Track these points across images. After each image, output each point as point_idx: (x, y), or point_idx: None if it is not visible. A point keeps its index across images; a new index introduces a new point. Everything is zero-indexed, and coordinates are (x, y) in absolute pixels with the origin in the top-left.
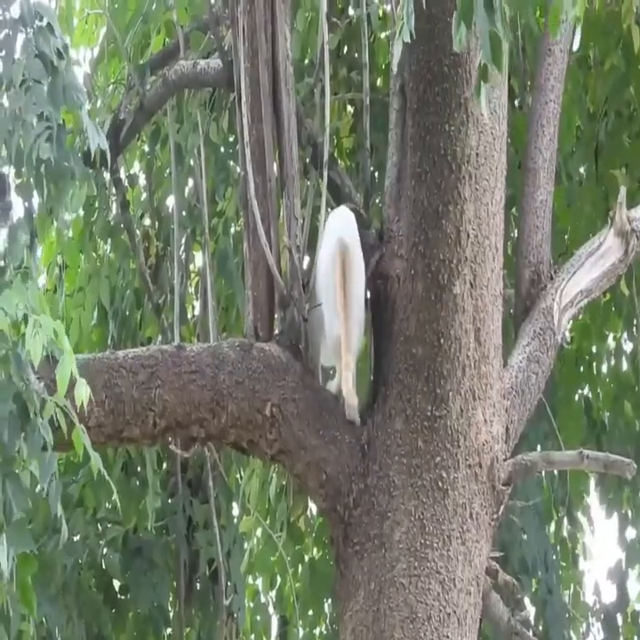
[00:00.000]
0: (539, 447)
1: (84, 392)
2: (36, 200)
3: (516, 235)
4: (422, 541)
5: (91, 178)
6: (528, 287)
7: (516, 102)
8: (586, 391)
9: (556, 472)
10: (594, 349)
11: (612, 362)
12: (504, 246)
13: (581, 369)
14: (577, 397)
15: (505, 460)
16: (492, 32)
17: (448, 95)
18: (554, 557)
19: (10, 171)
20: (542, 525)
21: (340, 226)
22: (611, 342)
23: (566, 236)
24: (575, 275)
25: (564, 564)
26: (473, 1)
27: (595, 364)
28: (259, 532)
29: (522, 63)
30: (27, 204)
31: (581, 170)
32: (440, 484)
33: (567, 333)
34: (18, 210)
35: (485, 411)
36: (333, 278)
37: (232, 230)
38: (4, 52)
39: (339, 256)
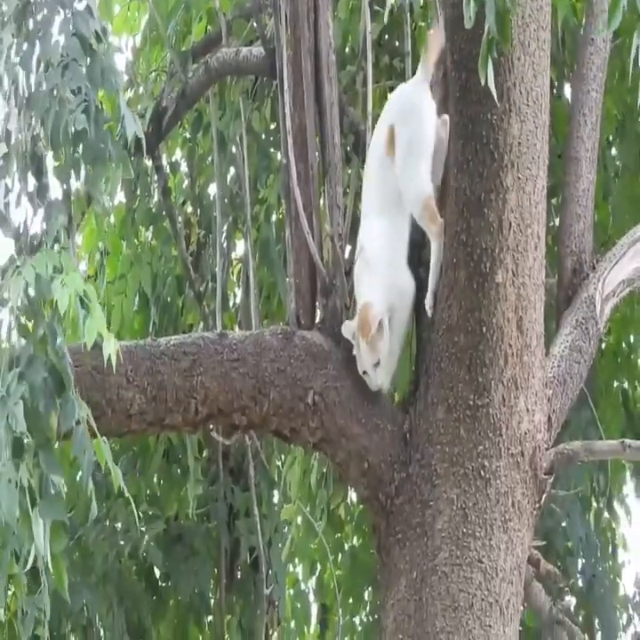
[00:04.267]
0: (580, 436)
1: (112, 347)
2: (73, 183)
3: (557, 224)
4: (464, 530)
5: (128, 160)
6: (570, 276)
7: (555, 92)
8: (625, 384)
9: (597, 461)
10: (632, 341)
11: None
12: (546, 236)
13: (619, 361)
14: (616, 389)
15: (547, 448)
16: (499, 5)
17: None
18: (596, 546)
19: (47, 152)
20: (584, 514)
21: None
22: None
23: (609, 226)
24: (617, 264)
25: (603, 555)
26: None
27: (633, 356)
28: (299, 519)
29: (561, 53)
30: (65, 186)
31: (621, 159)
32: (482, 472)
33: (602, 326)
34: (55, 191)
35: (527, 399)
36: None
37: (274, 218)
38: (41, 33)
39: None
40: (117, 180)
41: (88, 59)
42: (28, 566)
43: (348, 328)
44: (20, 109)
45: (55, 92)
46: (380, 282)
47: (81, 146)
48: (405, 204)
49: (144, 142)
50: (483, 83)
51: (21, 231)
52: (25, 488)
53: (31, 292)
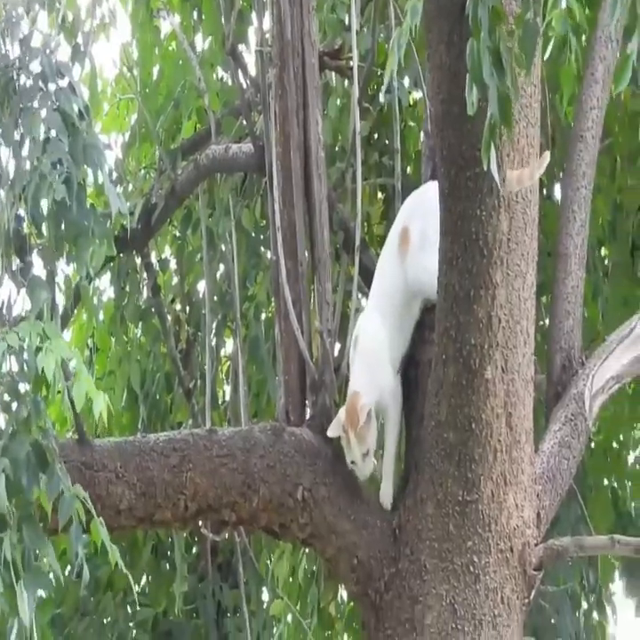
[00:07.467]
0: (570, 532)
1: (102, 403)
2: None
3: (546, 321)
4: (453, 625)
5: (111, 238)
6: (559, 372)
7: (545, 191)
8: (614, 482)
9: (586, 559)
10: (622, 440)
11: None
12: (535, 332)
13: (609, 459)
14: (605, 487)
15: (536, 544)
16: (501, 91)
17: (479, 180)
18: None
19: (30, 231)
20: (574, 611)
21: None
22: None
23: (598, 322)
24: (606, 360)
25: None
26: (482, 61)
27: (623, 454)
28: (288, 617)
29: (551, 152)
30: (48, 266)
31: (611, 259)
32: (471, 568)
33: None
34: (39, 271)
35: (516, 495)
36: None
37: (263, 315)
38: (24, 109)
39: None
40: (101, 256)
41: (70, 136)
42: None
43: (336, 424)
44: (3, 187)
45: (36, 165)
46: (370, 373)
47: (63, 222)
48: (414, 289)
49: (129, 224)
50: (485, 167)
51: (4, 309)
52: (8, 562)
53: (15, 362)
